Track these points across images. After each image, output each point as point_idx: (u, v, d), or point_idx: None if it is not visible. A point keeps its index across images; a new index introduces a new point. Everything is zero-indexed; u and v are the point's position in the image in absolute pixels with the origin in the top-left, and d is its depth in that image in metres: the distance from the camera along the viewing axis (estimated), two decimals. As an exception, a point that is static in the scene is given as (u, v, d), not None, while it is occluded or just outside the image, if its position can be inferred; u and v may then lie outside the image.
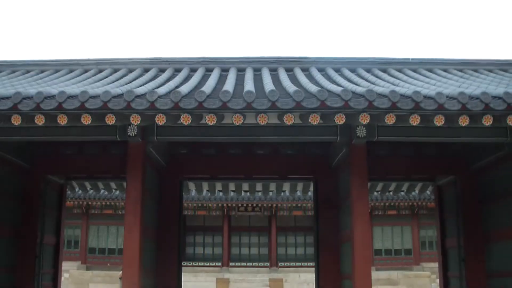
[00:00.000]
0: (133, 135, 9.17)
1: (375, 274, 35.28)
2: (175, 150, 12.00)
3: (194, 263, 41.20)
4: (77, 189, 15.98)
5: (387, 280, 37.49)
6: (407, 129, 9.00)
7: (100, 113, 8.56)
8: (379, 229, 41.16)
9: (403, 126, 8.82)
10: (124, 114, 8.64)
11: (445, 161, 11.94)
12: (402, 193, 19.15)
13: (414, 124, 8.62)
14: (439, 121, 8.59)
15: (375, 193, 34.63)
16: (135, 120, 8.68)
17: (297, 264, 41.19)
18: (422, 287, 37.48)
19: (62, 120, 8.69)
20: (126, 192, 9.79)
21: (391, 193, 17.03)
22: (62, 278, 32.62)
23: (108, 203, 39.84)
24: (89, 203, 40.17)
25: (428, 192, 31.05)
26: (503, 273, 10.81)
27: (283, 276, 38.76)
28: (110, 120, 8.62)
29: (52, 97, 8.48)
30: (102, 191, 29.00)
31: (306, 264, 39.84)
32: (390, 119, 8.53)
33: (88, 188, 15.75)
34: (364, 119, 8.51)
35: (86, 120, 8.62)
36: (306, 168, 12.03)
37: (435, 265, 30.65)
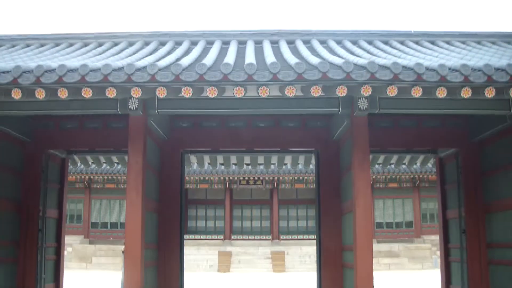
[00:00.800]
0: (134, 108, 9.16)
1: (377, 247, 35.62)
2: (176, 123, 12.00)
3: (196, 236, 41.54)
4: (79, 164, 15.99)
5: (388, 252, 37.83)
6: (409, 101, 8.98)
7: (101, 87, 8.54)
8: (381, 202, 41.35)
9: (405, 98, 8.80)
10: (124, 87, 8.61)
11: (447, 133, 11.93)
12: (404, 165, 19.15)
13: (416, 96, 8.59)
14: (441, 93, 8.56)
15: (377, 166, 34.67)
16: (136, 93, 8.66)
17: (299, 237, 41.53)
18: (423, 259, 37.85)
19: (63, 94, 8.67)
20: (127, 165, 9.81)
21: (392, 165, 17.02)
22: (65, 252, 32.84)
23: (110, 177, 40.04)
24: (91, 177, 40.36)
25: (429, 164, 31.04)
26: (503, 243, 10.88)
27: (285, 249, 39.13)
28: (111, 93, 8.60)
29: (52, 70, 8.44)
30: (104, 165, 28.92)
31: (307, 237, 40.17)
32: (392, 91, 8.50)
33: (90, 163, 15.76)
34: (366, 91, 8.48)
35: (87, 93, 8.60)
36: (308, 140, 12.02)
37: (436, 238, 30.86)
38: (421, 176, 39.82)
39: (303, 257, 38.20)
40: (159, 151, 11.65)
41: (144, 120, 9.77)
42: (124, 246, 9.77)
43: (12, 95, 8.66)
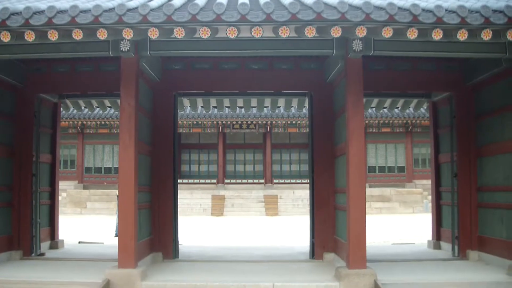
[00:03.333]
0: (126, 50, 9.04)
1: (369, 191, 36.10)
2: (169, 65, 11.91)
3: (190, 181, 41.91)
4: (71, 108, 15.91)
5: (380, 196, 38.41)
6: (404, 43, 8.87)
7: (92, 28, 8.39)
8: (373, 146, 41.67)
9: (400, 40, 8.68)
10: (116, 29, 8.47)
11: (441, 77, 11.90)
12: (397, 110, 19.13)
13: (411, 38, 8.48)
14: (437, 35, 8.45)
15: (370, 110, 34.80)
16: (128, 34, 8.52)
17: (292, 181, 41.99)
18: (414, 203, 38.48)
19: (53, 36, 8.51)
20: (120, 108, 9.75)
21: (386, 110, 17.04)
22: (60, 197, 33.05)
23: (103, 122, 40.04)
24: (84, 122, 40.34)
25: (423, 109, 31.15)
26: (492, 187, 11.00)
27: (278, 193, 39.63)
28: (102, 35, 8.46)
29: (41, 12, 8.26)
30: (97, 109, 28.88)
31: (300, 181, 40.63)
32: (387, 33, 8.39)
33: (82, 107, 15.69)
34: (361, 32, 8.37)
35: (78, 35, 8.45)
36: (301, 82, 11.98)
37: (427, 182, 31.30)
38: (414, 121, 39.99)
39: (296, 201, 38.73)
40: (151, 94, 11.59)
41: (136, 62, 9.66)
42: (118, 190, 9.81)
43: (1, 38, 8.49)
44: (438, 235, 13.29)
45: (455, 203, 11.94)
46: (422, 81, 11.90)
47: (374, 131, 41.22)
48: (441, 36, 8.47)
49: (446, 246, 12.59)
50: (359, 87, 9.54)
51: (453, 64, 11.79)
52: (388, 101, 14.51)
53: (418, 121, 40.05)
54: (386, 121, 40.27)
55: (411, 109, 16.08)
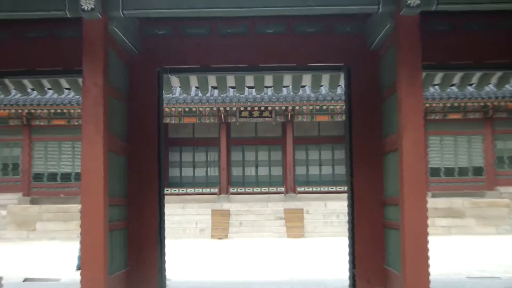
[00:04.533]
0: (89, 9, 9.13)
1: (432, 202, 36.06)
2: (150, 31, 11.97)
3: (181, 190, 42.02)
4: (12, 91, 15.99)
5: (448, 210, 38.27)
6: (480, -8, 8.92)
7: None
8: (437, 139, 41.51)
9: (474, -13, 8.74)
10: (74, -22, 8.57)
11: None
12: (471, 88, 19.04)
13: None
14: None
15: (432, 90, 34.69)
16: (91, -14, 8.63)
17: (323, 189, 41.99)
18: (499, 220, 38.20)
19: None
20: (82, 90, 9.84)
21: (454, 88, 16.97)
22: (-2, 216, 33.02)
23: (58, 110, 40.20)
24: (32, 111, 40.50)
25: (509, 86, 30.86)
26: None
27: (304, 206, 39.68)
28: (55, -14, 8.57)
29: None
30: (50, 93, 29.02)
31: (334, 189, 40.62)
32: (455, -23, 8.44)
33: (29, 89, 15.76)
34: (418, -22, 8.44)
35: (20, -14, 8.57)
36: (335, 52, 12.01)
37: (516, 189, 30.97)
38: (496, 103, 39.74)
39: (328, 217, 38.76)
40: (127, 71, 11.68)
41: (104, 26, 9.75)
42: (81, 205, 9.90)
43: None
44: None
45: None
46: (507, 45, 11.87)
47: (438, 118, 41.08)
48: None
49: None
50: (415, 57, 9.58)
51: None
52: (458, 76, 14.49)
53: (502, 104, 39.79)
54: (456, 104, 40.12)
55: (491, 86, 15.95)
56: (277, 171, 43.57)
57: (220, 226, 38.04)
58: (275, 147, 43.57)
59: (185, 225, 37.99)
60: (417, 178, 9.51)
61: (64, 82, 14.88)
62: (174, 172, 43.50)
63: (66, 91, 16.03)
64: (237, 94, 36.59)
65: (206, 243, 34.57)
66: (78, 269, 17.27)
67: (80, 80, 11.37)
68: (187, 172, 43.88)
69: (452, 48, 11.78)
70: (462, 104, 40.31)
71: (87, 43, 9.77)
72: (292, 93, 36.81)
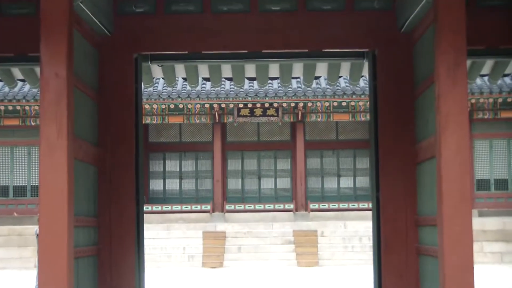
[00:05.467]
0: (49, -21, 9.19)
1: (479, 222, 36.15)
2: (125, 8, 11.94)
3: (165, 207, 42.15)
4: (-46, 83, 16.09)
5: (500, 232, 38.28)
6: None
7: None
8: (485, 144, 41.60)
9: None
10: None
11: None
12: (528, 79, 19.16)
13: None
14: None
15: (480, 81, 34.88)
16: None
17: (342, 206, 42.10)
18: None
19: None
20: (40, 81, 9.85)
21: (508, 79, 17.03)
22: None
23: (10, 108, 40.30)
24: (-23, 108, 40.67)
25: None
26: None
27: (318, 227, 39.81)
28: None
29: None
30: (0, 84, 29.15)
31: (356, 205, 40.75)
32: None
33: (-27, 81, 15.86)
34: None
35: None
36: (357, 34, 11.98)
37: None
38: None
39: (349, 240, 38.82)
40: (96, 57, 11.68)
41: (67, 1, 9.77)
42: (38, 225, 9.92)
43: None
44: None
45: None
46: None
47: (487, 117, 41.12)
48: None
49: None
50: (459, 40, 9.59)
51: None
52: (511, 64, 14.56)
53: None
54: (510, 100, 40.11)
55: (552, 76, 15.93)
56: (284, 183, 43.67)
57: (214, 252, 38.09)
58: (282, 153, 43.68)
59: (170, 250, 38.05)
60: (460, 192, 9.52)
61: (17, 72, 14.93)
62: (156, 185, 43.60)
63: (20, 83, 16.08)
64: (235, 88, 36.68)
65: (196, 272, 34.66)
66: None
67: (37, 69, 11.36)
68: (173, 185, 43.95)
69: (505, 29, 11.80)
70: (517, 100, 40.38)
71: (45, 23, 9.75)
72: (303, 86, 36.72)
